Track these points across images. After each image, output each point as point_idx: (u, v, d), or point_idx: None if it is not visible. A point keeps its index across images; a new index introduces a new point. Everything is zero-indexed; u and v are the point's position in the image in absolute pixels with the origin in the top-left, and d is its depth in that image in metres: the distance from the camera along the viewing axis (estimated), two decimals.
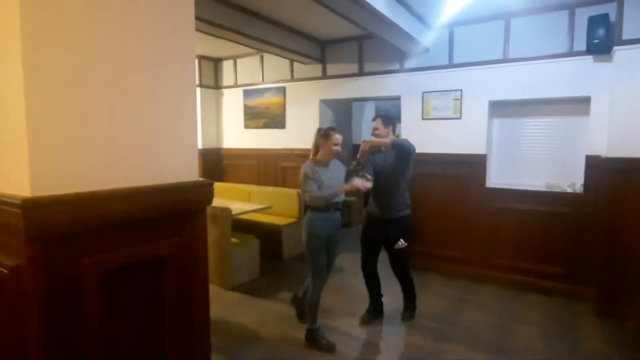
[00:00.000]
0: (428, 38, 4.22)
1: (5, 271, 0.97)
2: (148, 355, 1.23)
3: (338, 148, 2.80)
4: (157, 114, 1.20)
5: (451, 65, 4.26)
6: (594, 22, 3.33)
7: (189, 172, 1.30)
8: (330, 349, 2.83)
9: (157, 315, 1.24)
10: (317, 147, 2.87)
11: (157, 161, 1.21)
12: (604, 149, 3.45)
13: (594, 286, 3.54)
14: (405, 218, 3.17)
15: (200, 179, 1.34)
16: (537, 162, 4.12)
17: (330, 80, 5.14)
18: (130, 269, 1.16)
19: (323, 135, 2.83)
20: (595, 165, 3.57)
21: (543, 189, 3.96)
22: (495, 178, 4.33)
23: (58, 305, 0.99)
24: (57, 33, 0.96)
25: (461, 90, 4.20)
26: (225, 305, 3.62)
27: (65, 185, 0.98)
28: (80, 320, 1.03)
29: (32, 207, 0.90)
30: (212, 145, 6.22)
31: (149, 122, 1.18)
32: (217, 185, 6.29)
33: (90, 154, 1.04)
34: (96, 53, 1.03)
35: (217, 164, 6.23)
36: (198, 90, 5.97)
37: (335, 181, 2.84)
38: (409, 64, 4.54)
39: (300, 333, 3.01)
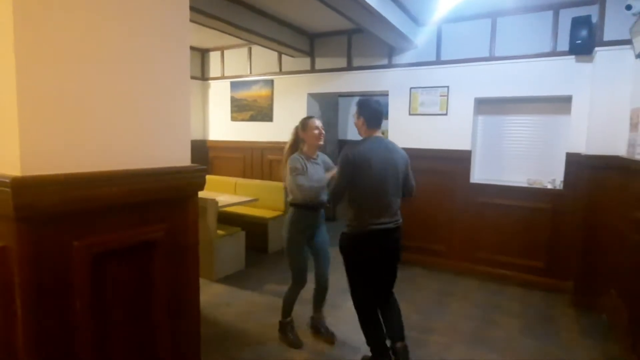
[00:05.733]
0: (417, 34, 4.26)
1: None
2: (138, 340, 1.22)
3: (319, 130, 2.71)
4: (150, 98, 1.19)
5: (439, 61, 4.31)
6: (577, 23, 3.41)
7: (180, 157, 1.29)
8: (295, 344, 2.79)
9: (147, 300, 1.23)
10: (296, 142, 2.79)
11: (149, 145, 1.19)
12: (583, 147, 3.55)
13: (572, 279, 3.66)
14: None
15: (192, 164, 1.33)
16: (520, 159, 4.22)
17: (318, 74, 5.13)
18: (120, 254, 1.14)
19: (302, 127, 2.75)
20: (574, 162, 3.67)
21: (525, 185, 4.06)
22: (479, 174, 4.42)
23: (46, 289, 0.97)
24: (51, 14, 0.93)
25: (448, 86, 4.26)
26: (210, 296, 3.61)
27: (56, 165, 0.96)
28: (69, 304, 1.02)
29: (22, 186, 0.88)
30: (198, 137, 6.14)
31: (142, 106, 1.17)
32: None
33: (82, 135, 1.02)
34: (90, 34, 1.01)
35: (203, 156, 6.16)
36: None
37: (317, 176, 2.70)
38: (397, 59, 4.57)
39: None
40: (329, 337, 2.90)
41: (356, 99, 8.72)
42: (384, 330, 2.54)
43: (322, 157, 2.86)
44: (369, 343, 2.54)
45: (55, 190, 0.94)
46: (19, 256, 0.92)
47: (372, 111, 2.45)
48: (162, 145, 1.23)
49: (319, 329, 2.95)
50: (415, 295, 3.74)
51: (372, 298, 2.56)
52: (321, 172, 2.76)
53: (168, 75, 1.23)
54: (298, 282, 2.80)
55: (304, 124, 2.75)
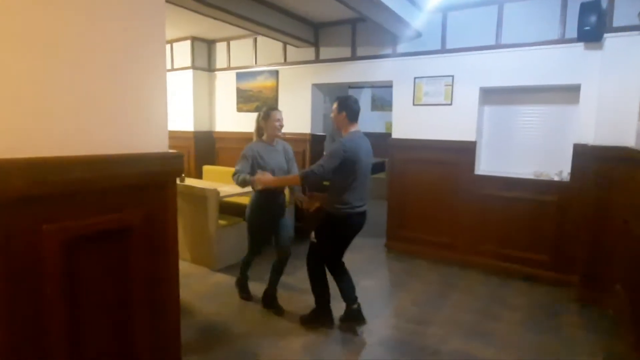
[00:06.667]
0: (421, 22, 4.17)
1: None
2: (113, 328, 1.23)
3: (280, 123, 3.04)
4: (123, 82, 1.18)
5: (443, 50, 4.22)
6: (586, 9, 3.29)
7: (157, 143, 1.29)
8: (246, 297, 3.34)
9: (124, 287, 1.24)
10: (260, 129, 3.10)
11: (123, 130, 1.20)
12: (591, 138, 3.44)
13: (577, 274, 3.57)
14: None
15: (170, 150, 1.33)
16: (526, 150, 4.12)
17: (323, 64, 5.09)
18: (95, 239, 1.15)
19: (264, 116, 3.04)
20: (582, 154, 3.56)
21: (531, 176, 3.97)
22: (485, 165, 4.34)
23: (14, 272, 0.98)
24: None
25: (453, 76, 4.18)
26: (212, 286, 3.65)
27: (22, 149, 0.97)
28: (39, 289, 1.03)
29: None
30: (204, 128, 6.18)
31: (116, 90, 1.17)
32: (209, 169, 6.13)
33: (51, 118, 1.02)
34: (57, 15, 1.02)
35: (209, 147, 6.21)
36: (191, 72, 5.91)
37: (275, 162, 3.05)
38: (401, 48, 4.49)
39: (287, 312, 3.05)
40: (280, 309, 3.17)
41: (366, 90, 8.67)
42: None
43: (283, 145, 3.19)
44: (319, 301, 2.93)
45: (21, 174, 0.95)
46: None
47: (351, 107, 2.81)
48: (137, 130, 1.23)
49: (273, 302, 3.21)
50: (416, 287, 3.72)
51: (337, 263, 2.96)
52: (280, 158, 3.10)
53: (143, 60, 1.23)
54: (253, 253, 3.30)
55: (266, 115, 3.04)
